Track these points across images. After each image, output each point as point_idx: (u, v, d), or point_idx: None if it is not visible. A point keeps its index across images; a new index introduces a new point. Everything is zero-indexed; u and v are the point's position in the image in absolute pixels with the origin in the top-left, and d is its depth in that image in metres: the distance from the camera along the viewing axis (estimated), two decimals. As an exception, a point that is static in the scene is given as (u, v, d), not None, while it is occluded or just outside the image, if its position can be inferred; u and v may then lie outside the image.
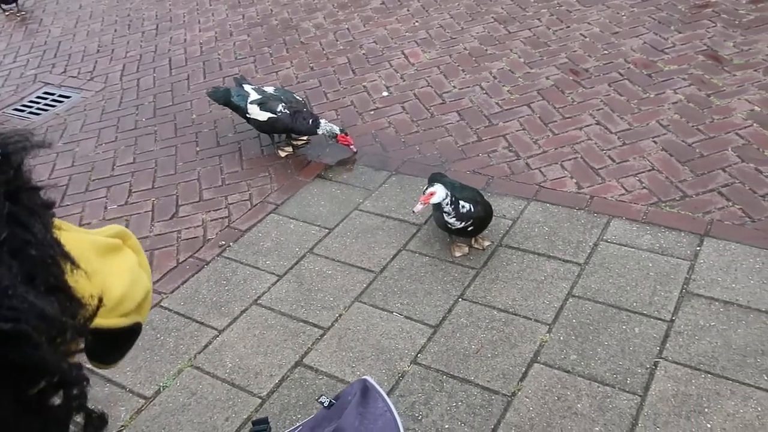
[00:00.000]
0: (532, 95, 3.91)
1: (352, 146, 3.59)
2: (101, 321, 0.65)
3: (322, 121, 3.55)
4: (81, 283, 0.57)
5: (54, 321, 0.50)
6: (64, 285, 0.55)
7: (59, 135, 4.31)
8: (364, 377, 1.38)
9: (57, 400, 0.56)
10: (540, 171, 3.31)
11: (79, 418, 0.62)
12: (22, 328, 0.47)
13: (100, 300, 0.60)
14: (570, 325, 2.47)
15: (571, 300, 2.57)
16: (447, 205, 2.67)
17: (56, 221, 0.59)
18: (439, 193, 2.67)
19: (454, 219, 2.69)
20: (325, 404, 1.38)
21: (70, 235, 0.60)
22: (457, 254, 2.87)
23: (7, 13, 6.36)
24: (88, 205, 3.58)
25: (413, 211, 2.77)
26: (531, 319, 2.52)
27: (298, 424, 1.49)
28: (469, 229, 2.75)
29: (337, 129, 3.54)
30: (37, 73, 5.20)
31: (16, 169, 0.53)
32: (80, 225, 3.34)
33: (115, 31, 5.73)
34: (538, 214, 3.03)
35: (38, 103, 4.77)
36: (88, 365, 0.72)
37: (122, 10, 6.13)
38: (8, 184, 0.51)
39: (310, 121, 3.54)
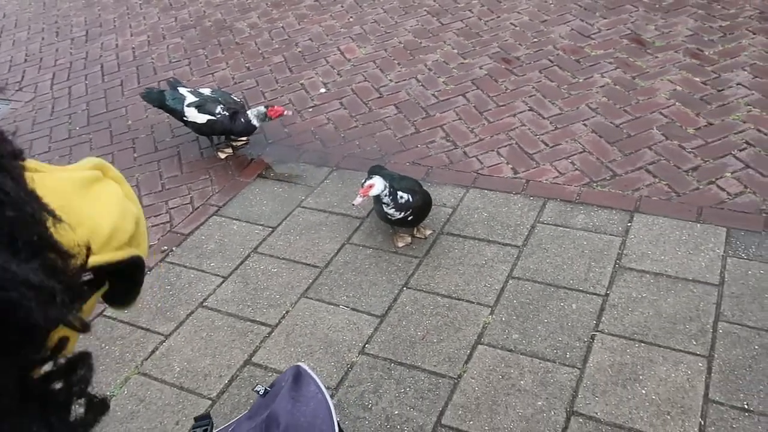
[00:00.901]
0: (467, 85, 3.99)
1: (285, 112, 3.55)
2: (96, 258, 0.61)
3: (249, 112, 3.52)
4: (67, 234, 0.53)
5: (46, 288, 0.47)
6: (48, 241, 0.51)
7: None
8: (297, 364, 1.41)
9: (58, 385, 0.55)
10: (477, 159, 3.38)
11: (79, 405, 0.60)
12: (11, 296, 0.44)
13: (89, 249, 0.57)
14: (511, 305, 2.54)
15: (511, 281, 2.65)
16: (386, 196, 2.72)
17: (29, 163, 0.55)
18: (378, 185, 2.71)
19: (393, 210, 2.73)
20: (261, 393, 1.40)
21: (45, 179, 0.56)
22: (400, 244, 2.92)
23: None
24: (23, 219, 3.49)
25: (353, 204, 2.81)
26: (474, 302, 2.59)
27: (238, 416, 1.51)
28: (409, 219, 2.80)
29: (263, 108, 3.51)
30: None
31: None
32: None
33: (43, 39, 5.58)
34: (477, 200, 3.10)
35: (-35, 116, 4.62)
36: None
37: (49, 17, 5.96)
38: None
39: (244, 120, 3.51)
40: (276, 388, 1.35)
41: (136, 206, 0.79)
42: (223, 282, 2.87)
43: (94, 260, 0.61)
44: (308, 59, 4.58)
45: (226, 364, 2.49)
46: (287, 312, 2.68)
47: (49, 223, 0.51)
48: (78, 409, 0.58)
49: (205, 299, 2.79)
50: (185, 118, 3.59)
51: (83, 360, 0.57)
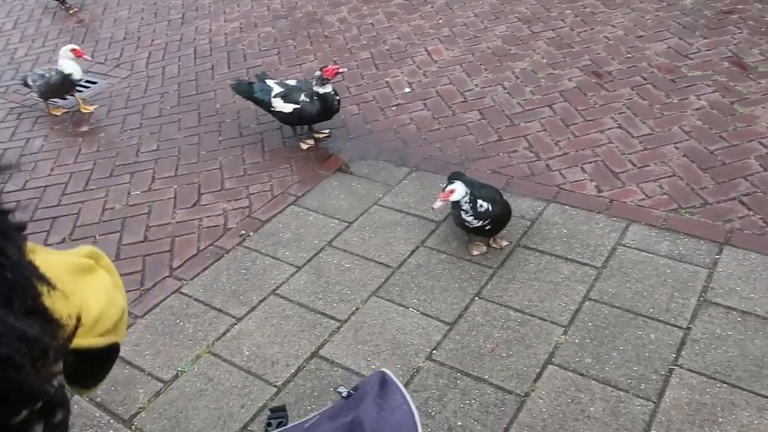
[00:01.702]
0: (554, 96, 3.91)
1: (341, 69, 3.55)
2: (79, 341, 0.65)
3: (312, 82, 3.54)
4: (58, 304, 0.57)
5: (35, 342, 0.50)
6: (41, 307, 0.54)
7: (85, 120, 4.37)
8: (382, 370, 1.40)
9: (38, 430, 0.56)
10: (560, 173, 3.31)
11: None
12: (4, 351, 0.47)
13: (78, 320, 0.60)
14: (585, 328, 2.48)
15: (587, 303, 2.58)
16: (466, 203, 2.69)
17: (29, 244, 0.59)
18: (459, 190, 2.69)
19: (472, 217, 2.70)
20: (344, 394, 1.41)
21: (43, 258, 0.60)
22: (475, 253, 2.88)
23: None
24: (112, 191, 3.63)
25: (432, 208, 2.79)
26: (546, 320, 2.54)
27: (314, 413, 1.52)
28: (487, 228, 2.77)
29: (317, 72, 3.52)
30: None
31: None
32: (103, 210, 3.41)
33: (142, 18, 5.79)
34: (556, 215, 3.04)
35: (64, 87, 4.83)
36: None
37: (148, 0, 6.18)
38: None
39: (317, 95, 3.53)
40: (360, 393, 1.35)
41: (122, 296, 0.82)
42: (296, 272, 2.90)
43: (78, 343, 0.63)
44: (395, 58, 4.58)
45: (293, 353, 2.52)
46: (357, 309, 2.69)
47: (44, 290, 0.54)
48: None
49: (277, 287, 2.83)
50: (272, 109, 3.65)
51: (62, 400, 0.57)
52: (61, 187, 3.72)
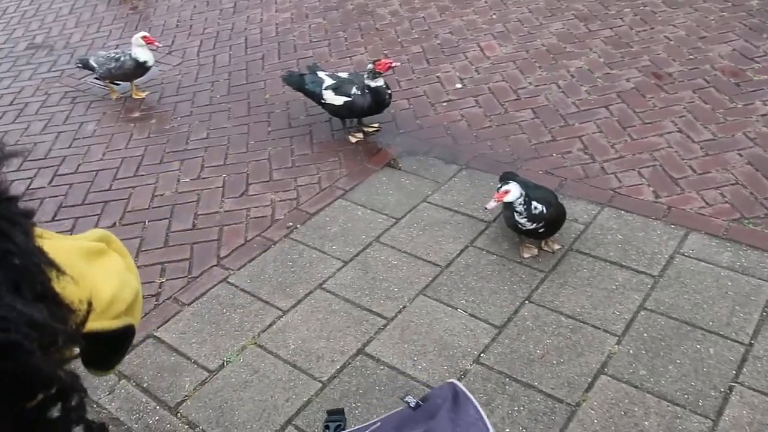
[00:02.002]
0: (611, 97, 3.79)
1: (394, 63, 3.53)
2: (93, 324, 0.65)
3: (364, 75, 3.51)
4: (68, 289, 0.56)
5: (44, 327, 0.50)
6: (51, 292, 0.54)
7: (137, 106, 4.42)
8: (452, 381, 1.36)
9: (56, 413, 0.56)
10: (616, 176, 3.21)
11: (79, 430, 0.62)
12: (13, 337, 0.46)
13: (90, 304, 0.60)
14: (641, 338, 2.39)
15: (642, 313, 2.49)
16: (520, 204, 2.62)
17: (37, 230, 0.58)
18: (514, 191, 2.62)
19: (526, 219, 2.64)
20: (411, 404, 1.37)
21: (52, 243, 0.59)
22: (526, 255, 2.82)
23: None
24: (162, 177, 3.66)
25: (485, 208, 2.73)
26: (600, 328, 2.46)
27: (376, 419, 1.49)
28: (540, 231, 2.70)
29: (369, 65, 3.48)
30: (119, 44, 5.33)
31: None
32: (153, 197, 3.43)
33: (195, 7, 5.83)
34: (611, 220, 2.95)
35: (118, 73, 4.89)
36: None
37: (202, -14, 6.22)
38: None
39: (368, 87, 3.50)
40: (431, 405, 1.31)
41: (136, 279, 0.82)
42: (343, 266, 2.88)
43: (91, 326, 0.63)
44: (446, 53, 4.52)
45: (339, 349, 2.49)
46: (404, 307, 2.65)
47: (53, 276, 0.54)
48: None
49: (324, 281, 2.81)
50: (323, 101, 3.63)
51: (74, 385, 0.57)
52: (112, 172, 3.77)
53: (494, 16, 4.88)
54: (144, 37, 4.21)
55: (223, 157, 3.77)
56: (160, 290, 2.88)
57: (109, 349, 0.79)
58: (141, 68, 4.29)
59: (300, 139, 3.84)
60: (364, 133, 3.77)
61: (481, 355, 2.41)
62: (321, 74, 3.68)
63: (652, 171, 3.21)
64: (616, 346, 2.38)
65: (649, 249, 2.77)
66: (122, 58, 4.25)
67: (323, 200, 3.30)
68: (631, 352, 2.35)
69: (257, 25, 5.32)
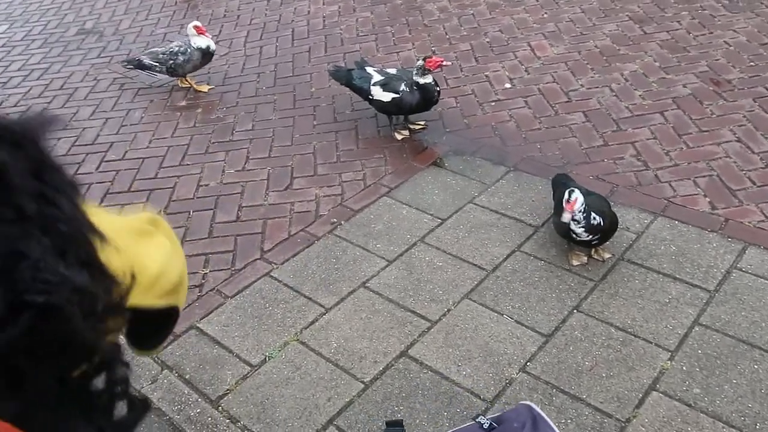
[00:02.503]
0: (667, 103, 3.68)
1: (444, 63, 3.47)
2: (137, 300, 0.65)
3: (413, 71, 3.46)
4: (113, 260, 0.57)
5: (86, 292, 0.50)
6: (96, 260, 0.54)
7: (183, 95, 4.44)
8: (527, 403, 1.31)
9: (100, 385, 0.57)
10: (670, 185, 3.11)
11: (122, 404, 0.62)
12: (55, 300, 0.47)
13: (133, 276, 0.60)
14: (695, 355, 2.31)
15: (697, 328, 2.41)
16: (579, 212, 2.54)
17: (87, 205, 0.59)
18: (579, 201, 2.53)
19: (583, 230, 2.56)
20: (485, 426, 1.33)
21: (100, 217, 0.59)
22: (575, 263, 2.74)
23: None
24: (207, 167, 3.67)
25: (563, 221, 2.57)
26: (651, 342, 2.38)
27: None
28: (594, 242, 2.63)
29: (419, 62, 3.43)
30: (166, 32, 5.37)
31: (37, 148, 0.53)
32: (198, 186, 3.44)
33: (242, -3, 5.84)
34: (665, 230, 2.86)
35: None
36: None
37: (250, -23, 6.23)
38: (32, 162, 0.51)
39: (417, 84, 3.45)
40: (506, 428, 1.26)
41: (182, 263, 0.84)
42: (387, 266, 2.84)
43: (135, 301, 0.63)
44: (496, 51, 4.44)
45: (382, 350, 2.46)
46: (449, 310, 2.60)
47: (98, 245, 0.55)
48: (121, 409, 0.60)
49: (368, 280, 2.78)
50: (371, 97, 3.59)
51: (115, 356, 0.58)
52: (158, 160, 3.79)
53: (545, 16, 4.78)
54: (196, 27, 4.20)
55: (268, 150, 3.76)
56: (203, 281, 2.88)
57: (153, 328, 0.80)
58: (208, 55, 4.26)
59: (345, 134, 3.81)
60: (411, 130, 3.73)
61: (528, 363, 2.35)
62: (369, 70, 3.65)
63: (708, 181, 3.10)
64: (669, 362, 2.30)
65: (704, 262, 2.68)
66: (188, 50, 4.17)
67: (368, 197, 3.27)
68: (684, 368, 2.27)
69: (304, 18, 5.30)
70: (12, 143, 0.49)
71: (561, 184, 2.82)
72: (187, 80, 4.44)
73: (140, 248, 0.74)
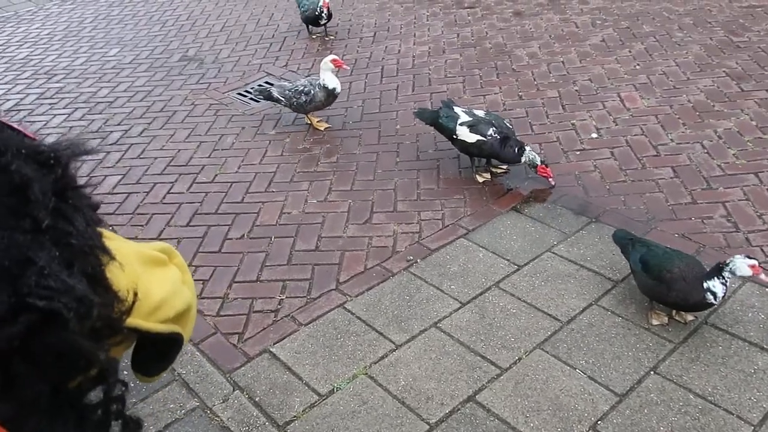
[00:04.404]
0: (763, 164, 3.55)
1: (551, 179, 3.50)
2: (140, 322, 0.67)
3: (527, 148, 3.49)
4: (119, 279, 0.60)
5: (87, 302, 0.52)
6: (100, 275, 0.57)
7: (273, 124, 4.61)
8: None
9: (95, 400, 0.59)
10: (762, 249, 2.99)
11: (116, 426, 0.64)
12: (55, 305, 0.49)
13: (135, 295, 0.63)
14: (781, 432, 2.19)
15: (784, 404, 2.28)
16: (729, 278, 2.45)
17: (103, 231, 0.62)
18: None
19: (713, 298, 2.45)
20: None
21: (114, 243, 0.62)
22: (655, 322, 2.66)
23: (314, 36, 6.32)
24: (291, 195, 3.78)
25: (743, 276, 2.48)
26: (733, 414, 2.27)
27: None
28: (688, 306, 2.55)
29: (538, 159, 3.47)
30: (261, 63, 5.61)
31: (64, 169, 0.57)
32: (281, 214, 3.55)
33: (336, 33, 6.05)
34: (754, 297, 2.74)
35: (259, 90, 5.14)
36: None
37: (344, 15, 6.45)
38: (56, 182, 0.55)
39: (517, 149, 3.49)
40: None
41: (191, 294, 0.84)
42: (460, 308, 2.84)
43: (136, 323, 0.66)
44: (584, 100, 4.41)
45: (450, 393, 2.45)
46: (520, 359, 2.57)
47: (105, 260, 0.58)
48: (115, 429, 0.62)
49: (440, 320, 2.79)
50: (455, 136, 3.64)
51: (113, 372, 0.59)
52: (245, 185, 3.94)
53: (638, 67, 4.72)
54: (333, 60, 4.19)
55: (350, 183, 3.85)
56: (279, 306, 2.95)
57: (155, 355, 0.81)
58: (332, 96, 4.25)
59: (427, 173, 3.86)
60: (492, 173, 3.74)
61: (599, 422, 2.29)
62: (457, 109, 3.70)
63: (804, 249, 2.96)
64: (752, 436, 2.19)
65: (795, 334, 2.54)
66: (312, 91, 4.20)
67: (445, 237, 3.29)
68: (768, 446, 2.15)
69: (394, 56, 5.43)
70: (39, 162, 0.55)
71: (627, 240, 2.77)
72: (309, 117, 4.49)
73: (148, 274, 0.76)
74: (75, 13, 7.45)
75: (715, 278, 2.43)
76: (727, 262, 2.44)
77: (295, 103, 4.31)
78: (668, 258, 2.58)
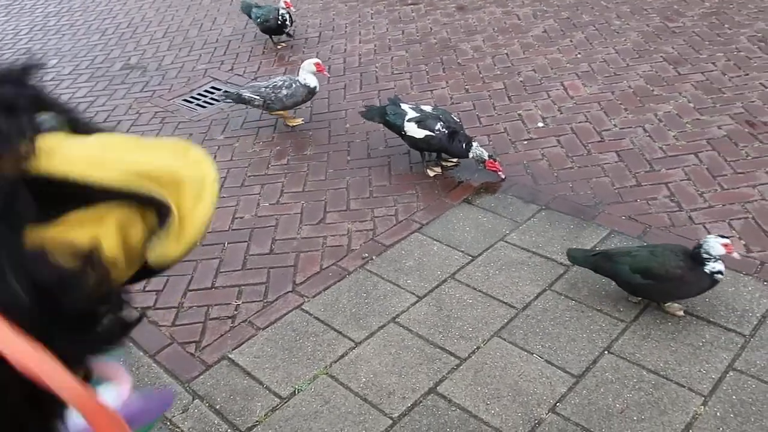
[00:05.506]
0: (701, 144, 3.67)
1: (500, 173, 3.55)
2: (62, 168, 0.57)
3: (474, 144, 3.54)
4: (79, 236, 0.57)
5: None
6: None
7: (221, 129, 4.56)
8: None
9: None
10: (704, 227, 3.09)
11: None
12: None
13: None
14: (729, 401, 2.27)
15: (731, 373, 2.37)
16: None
17: (51, 143, 0.57)
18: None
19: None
20: None
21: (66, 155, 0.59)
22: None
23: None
24: (243, 200, 3.75)
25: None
26: (684, 386, 2.35)
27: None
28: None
29: (486, 154, 3.51)
30: (207, 68, 5.54)
31: (34, 85, 0.61)
32: (233, 219, 3.51)
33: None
34: (699, 273, 2.82)
35: (205, 96, 5.08)
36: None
37: (289, 16, 6.41)
38: (32, 95, 0.60)
39: (464, 144, 3.53)
40: None
41: (212, 173, 0.67)
42: (417, 302, 2.86)
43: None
44: (529, 90, 4.49)
45: (411, 386, 2.47)
46: (478, 348, 2.60)
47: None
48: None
49: (397, 315, 2.80)
50: (404, 133, 3.66)
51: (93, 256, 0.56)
52: (196, 192, 3.87)
53: (579, 56, 4.83)
54: (317, 64, 4.19)
55: (302, 184, 3.83)
56: (236, 312, 2.93)
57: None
58: (311, 94, 4.29)
59: (378, 170, 3.87)
60: (443, 167, 3.77)
61: (557, 404, 2.34)
62: (404, 106, 3.72)
63: (743, 224, 3.07)
64: (702, 407, 2.26)
65: (739, 306, 2.64)
66: (293, 86, 4.20)
67: (399, 233, 3.31)
68: (718, 414, 2.23)
69: (341, 56, 5.43)
70: (14, 82, 0.59)
71: (592, 258, 2.76)
72: (283, 114, 4.45)
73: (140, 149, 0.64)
74: (9, 25, 7.23)
75: (711, 261, 2.50)
76: (701, 243, 2.51)
77: (273, 98, 4.25)
78: (661, 255, 2.59)
